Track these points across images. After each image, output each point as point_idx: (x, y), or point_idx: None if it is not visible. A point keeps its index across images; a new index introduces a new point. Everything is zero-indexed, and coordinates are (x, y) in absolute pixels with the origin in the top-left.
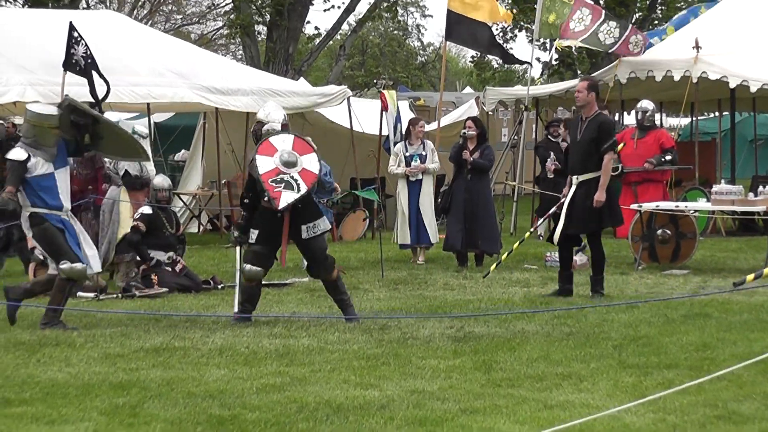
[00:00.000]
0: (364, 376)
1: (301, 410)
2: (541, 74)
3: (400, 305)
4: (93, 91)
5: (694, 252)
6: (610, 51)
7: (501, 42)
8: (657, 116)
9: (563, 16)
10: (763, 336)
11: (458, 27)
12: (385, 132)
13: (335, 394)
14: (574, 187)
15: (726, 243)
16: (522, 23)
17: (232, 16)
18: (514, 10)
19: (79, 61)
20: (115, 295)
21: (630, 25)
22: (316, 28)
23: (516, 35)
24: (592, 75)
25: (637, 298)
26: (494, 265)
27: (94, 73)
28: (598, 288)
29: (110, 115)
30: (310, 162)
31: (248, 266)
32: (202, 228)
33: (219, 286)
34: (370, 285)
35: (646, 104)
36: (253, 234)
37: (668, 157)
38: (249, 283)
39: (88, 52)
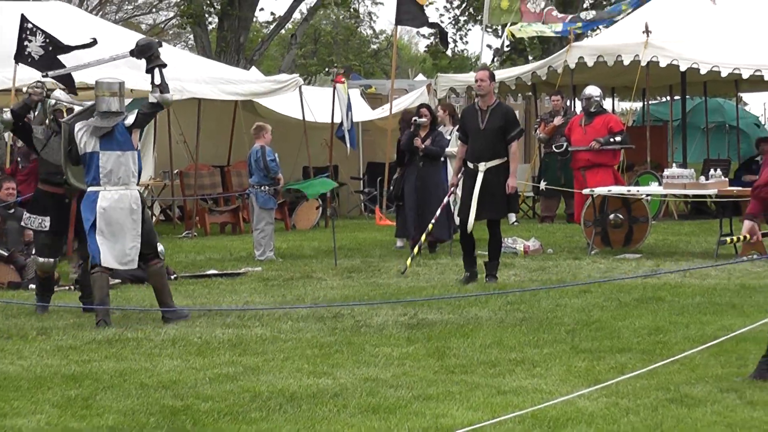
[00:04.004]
0: (318, 365)
1: (255, 399)
2: (493, 60)
3: (353, 293)
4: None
5: (647, 236)
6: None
7: (452, 31)
8: (607, 101)
9: (516, 1)
10: (715, 319)
11: (407, 9)
12: (337, 120)
13: (288, 383)
14: (481, 175)
15: (678, 227)
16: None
17: (183, 6)
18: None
19: (32, 53)
20: (67, 287)
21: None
22: (272, 13)
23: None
24: (546, 59)
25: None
26: (409, 259)
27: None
28: (493, 272)
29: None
30: None
31: (40, 259)
32: (154, 218)
33: (172, 277)
34: (324, 273)
35: (591, 90)
36: (45, 221)
37: (617, 138)
38: (44, 274)
39: (49, 40)
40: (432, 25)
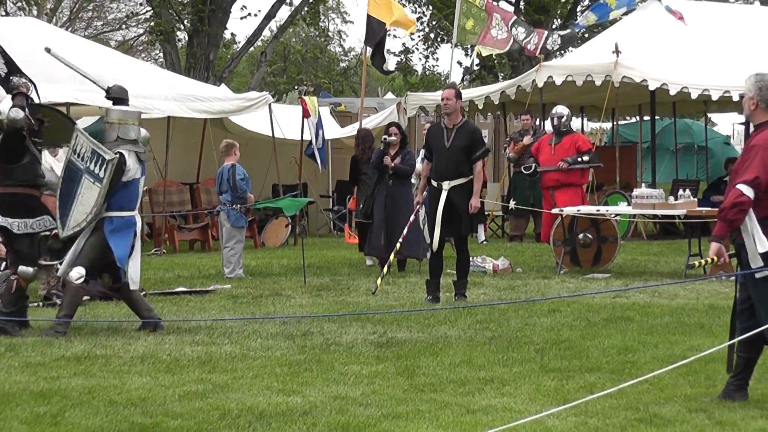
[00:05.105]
0: (287, 383)
1: (224, 417)
2: (462, 79)
3: (322, 311)
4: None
5: (616, 256)
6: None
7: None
8: (578, 121)
9: (481, 22)
10: (684, 339)
11: (376, 32)
12: (307, 137)
13: (258, 400)
14: (445, 193)
15: (647, 246)
16: (441, 33)
17: (152, 23)
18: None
19: None
20: (36, 304)
21: (531, 27)
22: (232, 34)
23: (439, 45)
24: (515, 78)
25: (559, 301)
26: (379, 278)
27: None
28: (462, 291)
29: None
30: None
31: (31, 269)
32: None
33: (141, 294)
34: (293, 291)
35: (561, 110)
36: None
37: (585, 158)
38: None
39: (6, 59)
40: (377, 45)
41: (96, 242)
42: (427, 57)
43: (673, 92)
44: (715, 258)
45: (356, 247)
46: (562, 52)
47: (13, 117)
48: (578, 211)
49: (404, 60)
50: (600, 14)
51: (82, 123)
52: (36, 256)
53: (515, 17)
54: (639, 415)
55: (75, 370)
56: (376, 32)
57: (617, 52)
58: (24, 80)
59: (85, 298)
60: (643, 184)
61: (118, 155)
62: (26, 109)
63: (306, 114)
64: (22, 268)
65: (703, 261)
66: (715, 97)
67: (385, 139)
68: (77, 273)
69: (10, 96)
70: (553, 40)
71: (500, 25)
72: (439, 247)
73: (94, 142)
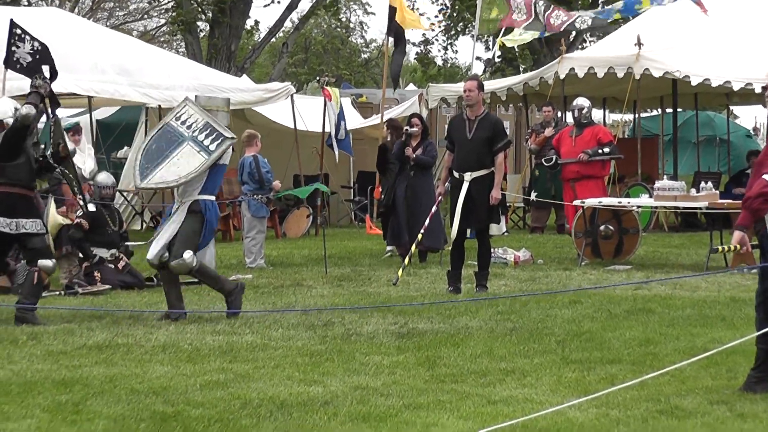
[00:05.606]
0: (308, 373)
1: (245, 407)
2: (484, 71)
3: (343, 302)
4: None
5: (637, 248)
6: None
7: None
8: (599, 112)
9: (505, 10)
10: (705, 331)
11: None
12: (328, 128)
13: (279, 390)
14: (466, 184)
15: (668, 239)
16: (462, 24)
17: (173, 13)
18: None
19: (20, 59)
20: (57, 293)
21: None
22: (256, 21)
23: (457, 35)
24: (537, 70)
25: (580, 293)
26: (400, 270)
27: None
28: (483, 282)
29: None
30: None
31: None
32: (144, 225)
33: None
34: (314, 281)
35: (582, 101)
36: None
37: (605, 150)
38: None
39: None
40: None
41: (197, 226)
42: (446, 48)
43: (695, 83)
44: (738, 246)
45: (377, 237)
46: (588, 35)
47: (25, 113)
48: (600, 202)
49: (424, 51)
50: (626, 9)
51: (101, 114)
52: (49, 249)
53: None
54: (660, 407)
55: (97, 359)
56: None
57: (639, 44)
58: (45, 83)
59: (106, 287)
60: (665, 177)
61: (235, 139)
62: (37, 108)
63: (327, 96)
64: (41, 262)
65: (726, 247)
66: (736, 87)
67: (406, 130)
68: (190, 255)
69: (8, 96)
70: (582, 20)
71: (521, 8)
72: (460, 238)
73: (212, 118)
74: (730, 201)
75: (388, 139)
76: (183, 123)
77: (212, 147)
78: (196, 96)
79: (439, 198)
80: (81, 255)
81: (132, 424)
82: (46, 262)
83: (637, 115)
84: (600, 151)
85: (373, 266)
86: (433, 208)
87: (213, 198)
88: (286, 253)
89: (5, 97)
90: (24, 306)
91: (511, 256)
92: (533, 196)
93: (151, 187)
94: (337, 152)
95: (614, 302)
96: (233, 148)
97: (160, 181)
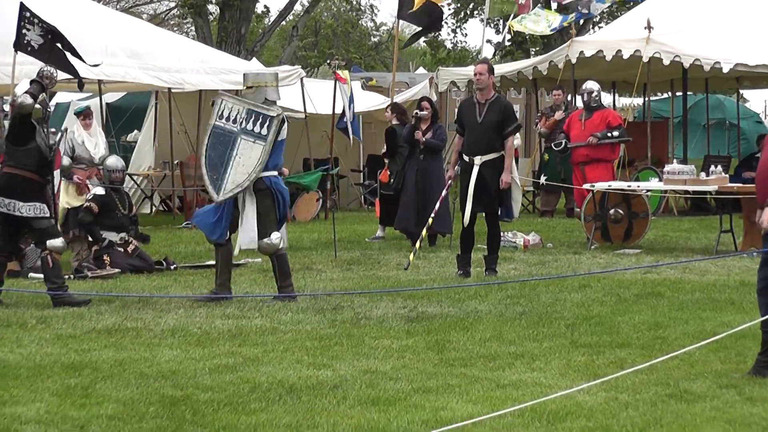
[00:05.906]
0: (317, 356)
1: (254, 390)
2: (494, 55)
3: (353, 285)
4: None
5: (647, 231)
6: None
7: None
8: (608, 96)
9: None
10: (714, 315)
11: (409, 5)
12: (338, 111)
13: (288, 374)
14: (476, 168)
15: (678, 222)
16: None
17: None
18: None
19: (31, 41)
20: (67, 276)
21: None
22: (266, 6)
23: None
24: (547, 54)
25: (590, 277)
26: (411, 254)
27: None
28: (492, 266)
29: (61, 96)
30: None
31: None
32: (154, 209)
33: (171, 267)
34: (324, 265)
35: (591, 85)
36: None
37: (615, 133)
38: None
39: (49, 30)
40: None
41: (268, 201)
42: (454, 31)
43: (706, 68)
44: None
45: None
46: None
47: (20, 102)
48: (609, 186)
49: (433, 35)
50: None
51: (110, 97)
52: (56, 228)
53: None
54: (669, 391)
55: (106, 343)
56: (420, 14)
57: (649, 27)
58: (52, 72)
59: (116, 270)
60: (675, 160)
61: (281, 112)
62: (37, 99)
63: (341, 80)
64: (50, 242)
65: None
66: (750, 64)
67: (416, 113)
68: (277, 237)
69: (28, 80)
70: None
71: None
72: (471, 221)
73: (250, 102)
74: (739, 185)
75: (394, 122)
76: (228, 119)
77: (263, 132)
78: (244, 74)
79: (449, 182)
80: (90, 239)
81: (141, 407)
82: (55, 242)
83: (647, 99)
84: (609, 134)
85: (383, 250)
86: (443, 192)
87: (276, 173)
88: (295, 237)
89: (25, 80)
90: (55, 292)
91: (521, 240)
92: (543, 179)
93: (229, 196)
94: (351, 137)
95: (623, 286)
96: (286, 119)
97: (233, 186)
